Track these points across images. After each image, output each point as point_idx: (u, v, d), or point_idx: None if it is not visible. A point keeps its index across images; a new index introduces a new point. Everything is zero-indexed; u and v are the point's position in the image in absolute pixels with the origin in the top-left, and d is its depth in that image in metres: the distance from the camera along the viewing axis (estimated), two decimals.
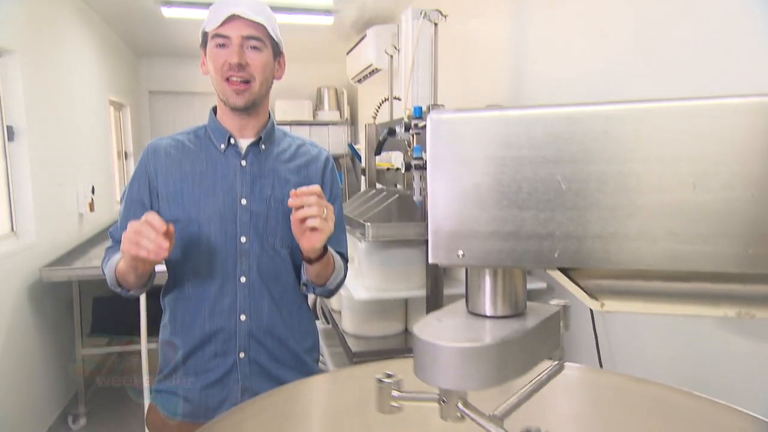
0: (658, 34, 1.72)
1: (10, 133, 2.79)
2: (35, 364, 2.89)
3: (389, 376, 0.71)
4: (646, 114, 0.55)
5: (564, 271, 0.63)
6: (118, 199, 5.05)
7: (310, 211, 1.16)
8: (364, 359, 2.19)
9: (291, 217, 1.20)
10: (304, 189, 1.18)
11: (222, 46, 1.27)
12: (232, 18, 1.24)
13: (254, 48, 1.28)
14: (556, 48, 2.28)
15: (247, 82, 1.28)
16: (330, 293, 1.43)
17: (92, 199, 3.83)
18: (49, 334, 3.08)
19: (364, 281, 2.23)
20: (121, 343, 3.59)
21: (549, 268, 0.61)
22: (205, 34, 1.31)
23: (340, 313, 2.46)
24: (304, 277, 1.37)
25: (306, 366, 1.42)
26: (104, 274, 1.36)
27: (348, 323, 2.39)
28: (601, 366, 1.83)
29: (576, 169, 0.58)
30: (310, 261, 1.29)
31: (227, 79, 1.28)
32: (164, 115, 6.35)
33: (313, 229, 1.18)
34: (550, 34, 2.33)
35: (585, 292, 0.64)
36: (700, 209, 0.53)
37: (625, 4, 1.86)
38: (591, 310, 1.36)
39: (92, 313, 3.24)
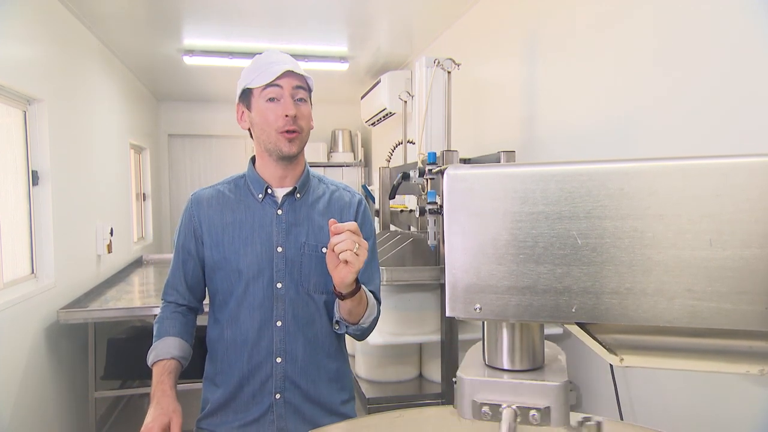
0: (674, 81, 1.75)
1: (35, 178, 2.86)
2: (49, 406, 2.88)
3: None
4: (661, 172, 0.56)
5: (582, 325, 0.63)
6: (136, 239, 5.12)
7: (343, 244, 1.20)
8: (378, 405, 2.15)
9: (328, 249, 1.24)
10: (340, 224, 1.23)
11: (273, 99, 1.35)
12: (286, 74, 1.35)
13: (302, 100, 1.38)
14: (568, 94, 2.32)
15: (297, 132, 1.36)
16: (363, 332, 1.45)
17: (110, 241, 3.88)
18: (65, 376, 3.07)
19: (378, 325, 2.21)
20: (132, 386, 3.58)
21: (566, 322, 0.61)
22: (247, 91, 1.38)
23: (353, 357, 2.44)
24: (337, 315, 1.40)
25: (339, 408, 1.43)
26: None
27: (362, 368, 2.36)
28: (621, 418, 1.78)
29: (591, 225, 0.58)
30: (342, 297, 1.31)
31: (283, 131, 1.34)
32: (182, 157, 6.49)
33: (345, 261, 1.21)
34: (562, 80, 2.37)
35: (603, 346, 0.64)
36: (718, 267, 0.53)
37: (639, 50, 1.90)
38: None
39: (106, 355, 3.23)
